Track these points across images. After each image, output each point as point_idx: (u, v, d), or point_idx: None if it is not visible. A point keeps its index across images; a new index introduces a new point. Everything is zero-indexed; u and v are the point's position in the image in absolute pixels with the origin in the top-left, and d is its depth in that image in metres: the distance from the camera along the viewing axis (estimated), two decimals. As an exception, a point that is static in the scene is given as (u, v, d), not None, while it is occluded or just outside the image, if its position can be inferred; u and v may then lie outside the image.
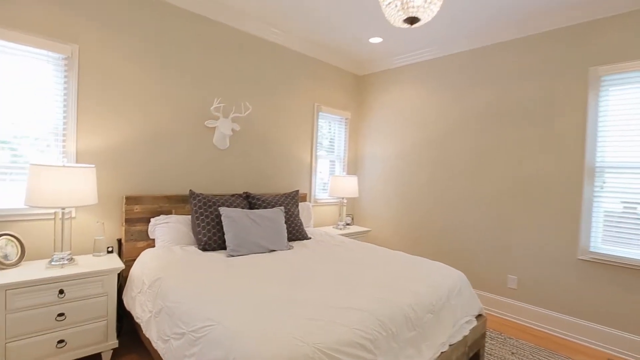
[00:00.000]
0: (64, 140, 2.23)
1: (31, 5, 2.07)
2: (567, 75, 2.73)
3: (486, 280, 3.18)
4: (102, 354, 2.07)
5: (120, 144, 2.45)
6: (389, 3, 1.72)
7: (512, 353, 2.40)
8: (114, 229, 2.44)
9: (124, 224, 2.40)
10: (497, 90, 3.13)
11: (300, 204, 3.47)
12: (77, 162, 2.26)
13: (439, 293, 1.86)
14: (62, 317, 1.88)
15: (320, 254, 2.43)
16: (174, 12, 2.67)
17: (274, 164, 3.44)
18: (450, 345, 1.77)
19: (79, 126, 2.27)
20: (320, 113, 3.86)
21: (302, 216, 3.42)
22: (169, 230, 2.44)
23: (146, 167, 2.58)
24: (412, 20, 1.70)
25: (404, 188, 3.85)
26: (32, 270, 1.89)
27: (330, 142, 4.10)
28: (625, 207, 2.46)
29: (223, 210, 2.45)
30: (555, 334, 2.74)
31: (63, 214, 2.02)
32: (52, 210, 2.15)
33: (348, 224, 4.05)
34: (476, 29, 3.07)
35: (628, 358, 2.41)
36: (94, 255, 2.23)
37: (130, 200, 2.41)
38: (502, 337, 2.64)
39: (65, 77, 2.22)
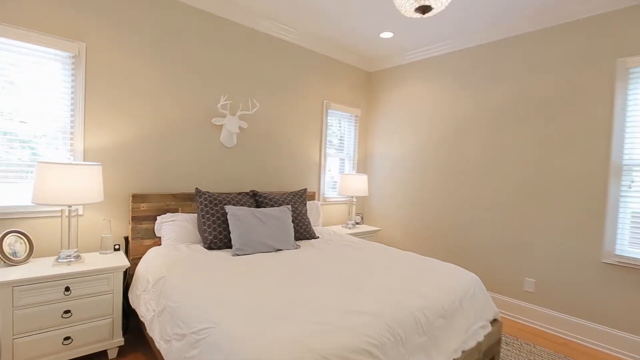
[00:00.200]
0: (71, 139, 2.24)
1: (38, 4, 2.07)
2: (591, 68, 2.58)
3: (501, 282, 3.06)
4: (107, 351, 2.07)
5: (127, 141, 2.45)
6: (399, -8, 1.64)
7: (529, 360, 2.29)
8: (120, 227, 2.44)
9: (130, 221, 2.39)
10: (513, 86, 3.00)
11: (308, 202, 3.41)
12: (84, 160, 2.27)
13: (451, 296, 1.77)
14: (69, 314, 1.89)
15: (328, 253, 2.37)
16: (181, 9, 2.65)
17: (281, 162, 3.39)
18: (463, 351, 1.68)
19: (86, 124, 2.27)
20: (329, 110, 3.79)
21: (311, 215, 3.36)
22: (176, 229, 2.42)
23: (153, 165, 2.57)
24: (424, 9, 1.62)
25: (415, 186, 3.75)
26: (39, 268, 1.90)
27: (340, 140, 4.03)
28: (653, 208, 2.32)
29: (229, 208, 2.42)
30: (574, 340, 2.61)
31: (70, 211, 2.02)
32: (59, 208, 2.16)
33: (357, 223, 3.97)
34: (491, 22, 2.94)
35: (655, 368, 2.27)
36: (100, 253, 2.23)
37: (136, 198, 2.41)
38: (518, 343, 2.52)
39: (73, 75, 2.23)
